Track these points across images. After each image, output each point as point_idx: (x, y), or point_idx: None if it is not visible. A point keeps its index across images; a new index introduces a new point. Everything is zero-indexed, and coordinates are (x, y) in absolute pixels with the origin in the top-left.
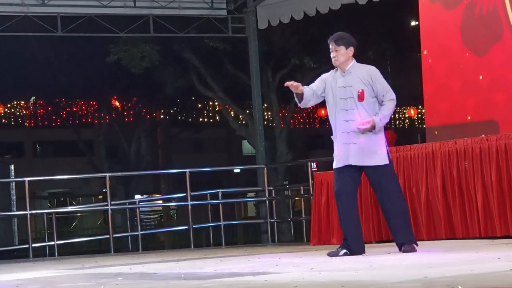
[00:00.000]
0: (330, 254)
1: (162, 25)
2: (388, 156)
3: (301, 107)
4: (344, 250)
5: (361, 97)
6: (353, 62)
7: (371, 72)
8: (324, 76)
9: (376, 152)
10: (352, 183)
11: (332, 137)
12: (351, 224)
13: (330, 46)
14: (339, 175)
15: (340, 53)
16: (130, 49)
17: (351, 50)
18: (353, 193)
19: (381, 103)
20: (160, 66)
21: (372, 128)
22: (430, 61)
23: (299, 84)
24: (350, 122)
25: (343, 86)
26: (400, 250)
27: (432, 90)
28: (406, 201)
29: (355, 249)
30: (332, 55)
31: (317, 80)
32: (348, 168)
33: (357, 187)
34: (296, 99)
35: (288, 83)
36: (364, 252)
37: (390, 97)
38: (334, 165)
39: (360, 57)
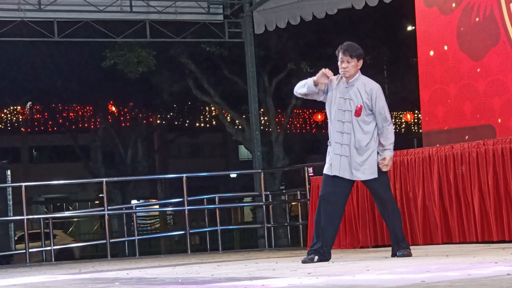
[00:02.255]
0: (304, 261)
1: (159, 30)
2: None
3: (303, 94)
4: (317, 257)
5: (358, 113)
6: (358, 74)
7: (373, 89)
8: (333, 77)
9: (367, 165)
10: (340, 193)
11: (328, 142)
12: (324, 232)
13: (341, 56)
14: (328, 181)
15: (352, 65)
16: (127, 54)
17: (360, 63)
18: (339, 202)
19: (380, 128)
20: (157, 71)
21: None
22: (426, 65)
23: (332, 76)
24: (345, 134)
25: (343, 97)
26: (395, 255)
27: (429, 95)
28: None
29: (327, 257)
30: (342, 65)
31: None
32: (339, 178)
33: (347, 197)
34: (310, 86)
35: (326, 72)
36: (330, 259)
37: (387, 122)
38: (325, 170)
39: None
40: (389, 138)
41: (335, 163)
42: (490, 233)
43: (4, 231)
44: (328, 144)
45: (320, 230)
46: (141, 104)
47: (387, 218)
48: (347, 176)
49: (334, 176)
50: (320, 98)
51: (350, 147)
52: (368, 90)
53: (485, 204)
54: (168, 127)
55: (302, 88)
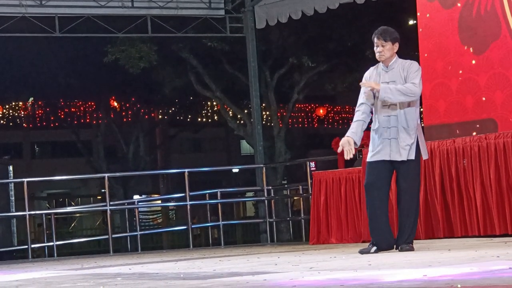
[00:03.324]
0: (362, 252)
1: (160, 25)
2: (417, 151)
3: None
4: (375, 247)
5: None
6: (396, 57)
7: (409, 65)
8: (366, 76)
9: (409, 146)
10: (384, 178)
11: (371, 129)
12: (378, 220)
13: (376, 41)
14: (373, 168)
15: (386, 49)
16: (128, 49)
17: (396, 46)
18: (384, 188)
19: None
20: (158, 66)
21: (374, 87)
22: (427, 59)
23: (352, 147)
24: (392, 117)
25: (387, 82)
26: (397, 249)
27: (430, 89)
28: (419, 202)
29: (383, 245)
30: (378, 49)
31: (362, 88)
32: (384, 162)
33: (390, 181)
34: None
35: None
36: (392, 248)
37: (413, 82)
38: (369, 158)
39: (358, 57)
40: (396, 87)
41: (383, 149)
42: (492, 227)
43: (7, 227)
44: (371, 131)
45: (369, 220)
46: (143, 99)
47: (399, 210)
48: (397, 158)
49: (378, 162)
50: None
51: (398, 129)
52: (405, 67)
53: (487, 198)
54: (170, 122)
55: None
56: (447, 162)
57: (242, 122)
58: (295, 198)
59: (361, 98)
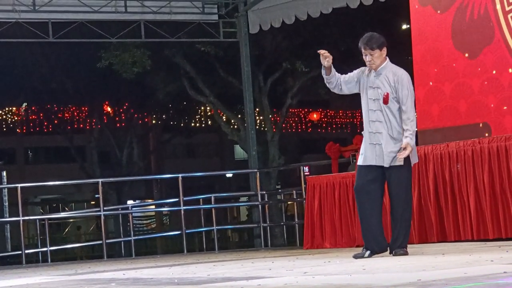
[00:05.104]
0: (356, 256)
1: (153, 30)
2: (409, 158)
3: (326, 82)
4: (368, 252)
5: (385, 100)
6: (386, 62)
7: (399, 76)
8: (357, 70)
9: (393, 154)
10: (374, 182)
11: (363, 132)
12: (368, 223)
13: (363, 50)
14: (362, 172)
15: (375, 56)
16: (121, 55)
17: (384, 51)
18: (374, 191)
19: (402, 115)
20: (152, 71)
21: (410, 149)
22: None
23: (330, 56)
24: (377, 123)
25: (372, 86)
26: (391, 253)
27: (424, 93)
28: (412, 207)
29: (375, 248)
30: (367, 58)
31: (351, 72)
32: (372, 167)
33: (382, 185)
34: (323, 71)
35: (321, 51)
36: (385, 250)
37: (407, 112)
38: (359, 162)
39: (351, 61)
40: (412, 131)
41: (369, 153)
42: (486, 231)
43: (0, 232)
44: (363, 134)
45: (361, 223)
46: (136, 104)
47: (391, 216)
48: (381, 163)
49: (367, 166)
50: (356, 89)
51: (382, 135)
52: (396, 78)
53: (481, 202)
54: (163, 127)
55: (330, 76)
56: (441, 167)
57: (235, 127)
58: (289, 202)
59: (349, 74)
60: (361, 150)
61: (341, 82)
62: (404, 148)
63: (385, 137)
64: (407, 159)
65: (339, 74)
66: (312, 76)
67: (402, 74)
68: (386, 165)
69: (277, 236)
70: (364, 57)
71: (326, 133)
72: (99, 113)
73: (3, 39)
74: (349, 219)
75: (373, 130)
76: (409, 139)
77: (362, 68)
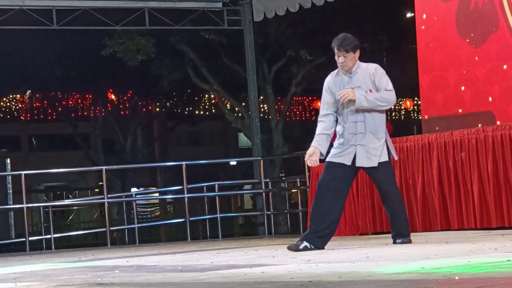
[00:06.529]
0: (290, 248)
1: (158, 18)
2: (388, 151)
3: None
4: (305, 244)
5: None
6: (358, 63)
7: (374, 68)
8: (327, 84)
9: (379, 151)
10: (341, 181)
11: (337, 131)
12: (323, 220)
13: (336, 51)
14: (331, 169)
15: (348, 59)
16: (126, 42)
17: (357, 53)
18: (339, 191)
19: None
20: (156, 59)
21: (353, 100)
22: (425, 52)
23: (317, 159)
24: (358, 123)
25: (351, 87)
26: (394, 242)
27: (428, 82)
28: (401, 195)
29: (317, 243)
30: (340, 60)
31: (323, 95)
32: (344, 166)
33: (349, 185)
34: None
35: (309, 162)
36: (323, 248)
37: (388, 89)
38: (329, 158)
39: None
40: (374, 96)
41: (348, 154)
42: (489, 219)
43: (4, 219)
44: (337, 133)
45: (316, 216)
46: (141, 92)
47: (388, 211)
48: (365, 164)
49: (337, 165)
50: (338, 104)
51: (365, 135)
52: (371, 73)
53: (485, 190)
54: (167, 115)
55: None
56: (445, 155)
57: (240, 115)
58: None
59: (324, 108)
60: (334, 150)
61: (332, 124)
62: (348, 92)
63: (369, 136)
64: (388, 154)
65: (325, 131)
66: (317, 64)
67: (376, 67)
68: (375, 164)
69: (281, 224)
70: (336, 58)
71: None
72: (103, 101)
73: (7, 26)
74: (353, 207)
75: (355, 131)
76: (364, 92)
77: (327, 79)
